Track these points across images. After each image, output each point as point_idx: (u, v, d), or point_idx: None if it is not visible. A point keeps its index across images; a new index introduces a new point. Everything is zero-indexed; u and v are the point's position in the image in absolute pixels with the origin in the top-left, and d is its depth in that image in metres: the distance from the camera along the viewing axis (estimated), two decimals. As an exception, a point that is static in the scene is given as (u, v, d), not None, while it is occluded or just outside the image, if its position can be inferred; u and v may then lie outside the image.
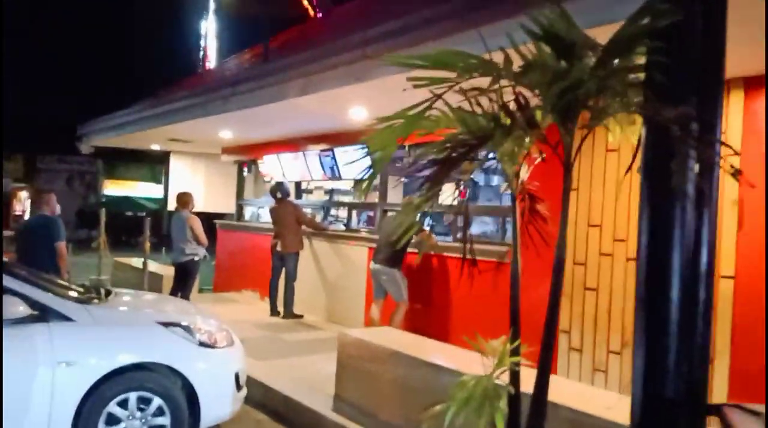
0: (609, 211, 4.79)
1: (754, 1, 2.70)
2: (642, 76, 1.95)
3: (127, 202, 27.43)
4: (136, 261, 9.23)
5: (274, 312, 8.05)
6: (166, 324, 3.85)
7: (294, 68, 5.57)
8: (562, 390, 2.99)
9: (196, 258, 7.48)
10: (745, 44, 2.93)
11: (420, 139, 2.74)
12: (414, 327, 5.60)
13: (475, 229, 7.02)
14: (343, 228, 8.59)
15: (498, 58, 2.11)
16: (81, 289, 4.30)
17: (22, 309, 3.39)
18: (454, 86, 2.10)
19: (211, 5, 26.43)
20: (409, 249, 6.24)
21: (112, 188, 28.91)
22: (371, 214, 8.59)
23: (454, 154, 2.39)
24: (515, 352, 2.48)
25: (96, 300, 4.08)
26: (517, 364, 2.45)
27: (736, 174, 1.74)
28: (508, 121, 2.28)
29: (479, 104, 2.33)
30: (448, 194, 2.73)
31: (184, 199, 7.73)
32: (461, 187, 2.75)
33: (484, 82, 2.21)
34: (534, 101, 2.25)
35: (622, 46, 1.91)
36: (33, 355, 3.37)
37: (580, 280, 4.93)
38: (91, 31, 35.26)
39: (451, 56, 2.02)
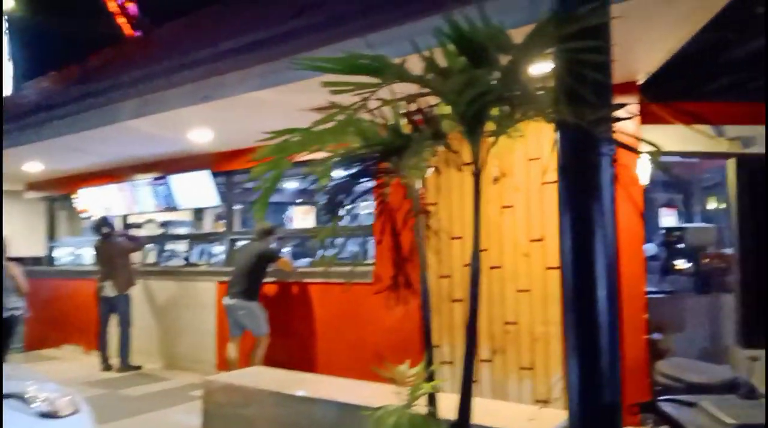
0: (468, 222, 4.92)
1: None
2: (552, 81, 1.95)
3: None
4: None
5: (105, 365, 7.10)
6: (-8, 398, 3.10)
7: (126, 88, 4.98)
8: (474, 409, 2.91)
9: (17, 314, 6.31)
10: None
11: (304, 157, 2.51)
12: (277, 362, 5.26)
13: (334, 251, 6.82)
14: (184, 262, 7.90)
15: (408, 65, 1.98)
16: None
17: None
18: (371, 93, 1.92)
19: (4, 25, 23.23)
20: (268, 279, 5.89)
21: None
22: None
23: (354, 170, 2.22)
24: (431, 377, 2.36)
25: None
26: (436, 389, 2.32)
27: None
28: (411, 133, 2.16)
29: (382, 116, 2.19)
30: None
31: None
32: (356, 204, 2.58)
33: (383, 92, 2.07)
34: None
35: (534, 50, 1.89)
36: None
37: (447, 293, 4.98)
38: None
39: (366, 60, 1.84)
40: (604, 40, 1.94)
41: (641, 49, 3.48)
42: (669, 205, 8.13)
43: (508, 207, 4.69)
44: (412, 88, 2.07)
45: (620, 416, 1.90)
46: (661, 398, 1.87)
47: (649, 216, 7.34)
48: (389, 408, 2.21)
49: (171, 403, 5.49)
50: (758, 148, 5.06)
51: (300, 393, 3.57)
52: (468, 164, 5.26)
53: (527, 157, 4.55)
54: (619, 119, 2.02)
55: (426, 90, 2.06)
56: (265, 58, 3.93)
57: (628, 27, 2.97)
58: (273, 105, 4.25)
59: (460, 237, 4.95)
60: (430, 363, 2.32)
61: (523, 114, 2.13)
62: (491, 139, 2.30)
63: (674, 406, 1.82)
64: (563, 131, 1.94)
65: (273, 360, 5.55)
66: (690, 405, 1.80)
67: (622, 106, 1.93)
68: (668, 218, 7.57)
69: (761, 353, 3.99)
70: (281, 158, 2.14)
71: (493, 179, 4.75)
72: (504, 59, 1.97)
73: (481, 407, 3.12)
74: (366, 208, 6.53)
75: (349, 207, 2.17)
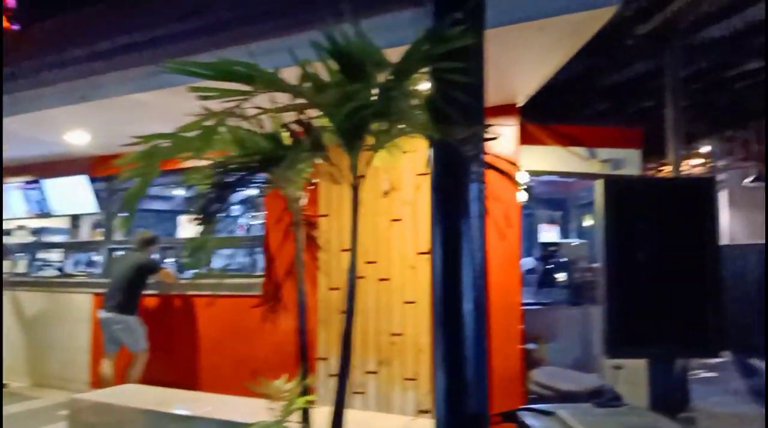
0: (358, 235, 4.95)
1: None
2: (426, 99, 2.00)
3: None
4: None
5: (-38, 385, 6.42)
6: None
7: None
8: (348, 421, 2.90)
9: None
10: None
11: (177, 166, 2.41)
12: (156, 380, 5.00)
13: (220, 262, 6.61)
14: (58, 272, 7.33)
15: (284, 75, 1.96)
16: None
17: None
18: (242, 100, 1.87)
19: None
20: (148, 292, 5.59)
21: None
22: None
23: (229, 179, 2.16)
24: (305, 391, 2.33)
25: None
26: (311, 404, 2.29)
27: (520, 188, 1.87)
28: (290, 143, 2.14)
29: (259, 125, 2.15)
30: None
31: None
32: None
33: (263, 101, 2.03)
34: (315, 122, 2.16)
35: (411, 68, 1.93)
36: None
37: (336, 305, 4.97)
38: None
39: (240, 67, 1.79)
40: (477, 62, 2.02)
41: (519, 73, 3.67)
42: (550, 221, 8.61)
43: (397, 220, 4.77)
44: (293, 99, 2.05)
45: (487, 425, 1.97)
46: (521, 407, 1.94)
47: (530, 232, 7.75)
48: (261, 425, 2.15)
49: (35, 424, 5.05)
50: (627, 170, 5.50)
51: (175, 411, 3.40)
52: (359, 177, 5.28)
53: (416, 171, 4.66)
54: (489, 139, 2.10)
55: (303, 101, 2.04)
56: (145, 60, 3.76)
57: (505, 51, 3.12)
58: (155, 108, 4.07)
59: (349, 250, 4.96)
60: (305, 377, 2.28)
61: (400, 130, 2.17)
62: (370, 153, 2.34)
63: (533, 415, 1.90)
64: (436, 149, 2.00)
65: (152, 377, 5.26)
66: (548, 414, 1.89)
67: (489, 126, 2.01)
68: (548, 234, 8.01)
69: (624, 362, 4.30)
70: (150, 164, 2.04)
71: (383, 192, 4.82)
72: (382, 76, 2.00)
73: (355, 420, 3.13)
74: (257, 219, 6.39)
75: (222, 216, 2.10)
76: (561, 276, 5.71)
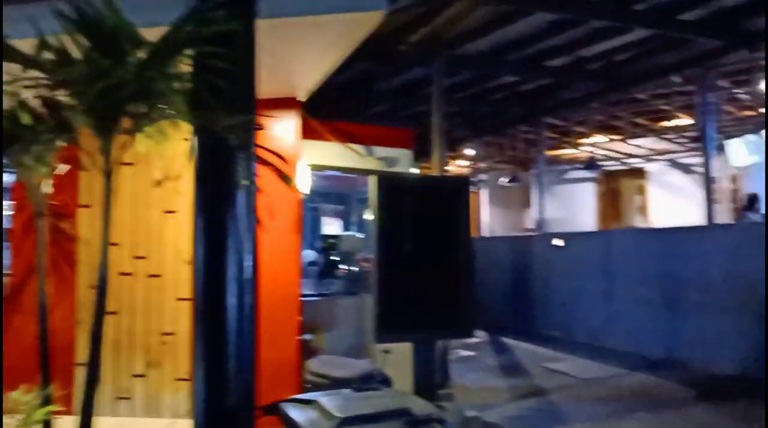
0: (127, 227, 4.56)
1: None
2: (190, 83, 1.90)
3: None
4: None
5: None
6: None
7: None
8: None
9: None
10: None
11: None
12: None
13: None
14: None
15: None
16: None
17: None
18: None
19: None
20: None
21: None
22: None
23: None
24: (47, 401, 2.08)
25: None
26: (54, 414, 2.05)
27: (289, 181, 1.87)
28: (32, 123, 1.88)
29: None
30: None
31: None
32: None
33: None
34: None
35: (172, 49, 1.82)
36: None
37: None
38: None
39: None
40: (247, 50, 1.98)
41: (298, 67, 3.70)
42: (333, 215, 8.89)
43: (171, 212, 4.50)
44: (26, 72, 1.80)
45: (251, 420, 1.94)
46: (284, 399, 1.96)
47: (314, 225, 7.92)
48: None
49: None
50: (400, 168, 5.88)
51: None
52: (127, 164, 4.87)
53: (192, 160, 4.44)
54: (258, 129, 2.07)
55: (45, 76, 1.81)
56: None
57: (283, 44, 3.12)
58: None
59: (116, 244, 4.55)
60: (46, 385, 2.03)
61: (161, 114, 2.03)
62: (131, 138, 2.15)
63: (295, 406, 1.93)
64: (200, 136, 1.92)
65: None
66: (309, 403, 1.93)
67: (258, 116, 1.98)
68: (331, 227, 8.26)
69: (393, 346, 4.61)
70: None
71: (155, 182, 4.51)
72: (140, 55, 1.86)
73: (109, 426, 2.89)
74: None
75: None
76: (341, 268, 5.92)
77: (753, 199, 10.11)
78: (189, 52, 1.88)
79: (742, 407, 5.14)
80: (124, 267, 4.58)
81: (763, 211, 10.17)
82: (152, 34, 1.85)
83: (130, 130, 2.04)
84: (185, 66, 1.90)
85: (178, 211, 4.49)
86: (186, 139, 2.45)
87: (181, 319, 4.42)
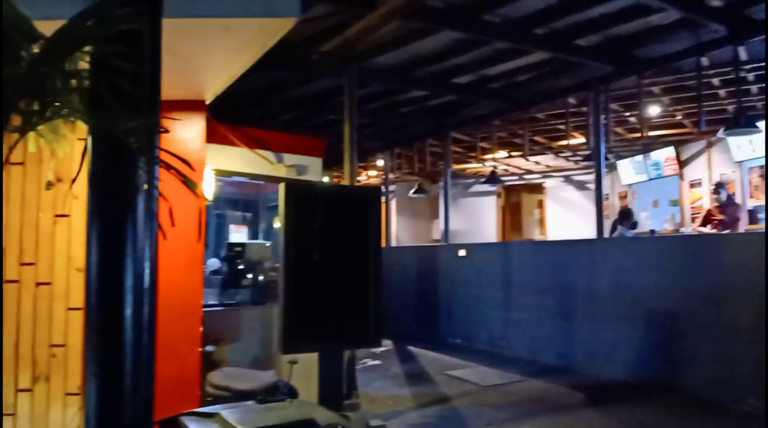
0: (13, 232, 4.24)
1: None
2: (88, 82, 1.81)
3: None
4: None
5: None
6: None
7: None
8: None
9: None
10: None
11: None
12: None
13: None
14: None
15: None
16: None
17: None
18: None
19: None
20: None
21: None
22: None
23: None
24: None
25: None
26: None
27: (194, 186, 1.83)
28: None
29: None
30: None
31: None
32: None
33: None
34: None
35: (68, 45, 1.72)
36: None
37: (-20, 316, 4.16)
38: None
39: None
40: (153, 50, 1.92)
41: (206, 70, 3.61)
42: (241, 222, 8.68)
43: (64, 216, 4.23)
44: None
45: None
46: (183, 413, 1.89)
47: (219, 233, 7.69)
48: None
49: None
50: (310, 176, 5.86)
51: None
52: (16, 164, 4.55)
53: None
54: (162, 132, 2.00)
55: None
56: None
57: (191, 45, 3.03)
58: None
59: (1, 249, 4.22)
60: None
61: (56, 113, 1.92)
62: (22, 137, 2.01)
63: (195, 419, 1.87)
64: (95, 138, 1.83)
65: None
66: (210, 416, 1.87)
67: (161, 119, 1.92)
68: (238, 235, 8.06)
69: (300, 357, 4.56)
70: None
71: (46, 184, 4.23)
72: (33, 49, 1.75)
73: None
74: None
75: None
76: (247, 277, 5.79)
77: (626, 213, 10.92)
78: (88, 49, 1.80)
79: (629, 410, 5.53)
80: (10, 275, 4.26)
81: (637, 227, 11.03)
82: (51, 28, 1.75)
83: (21, 128, 1.91)
84: (85, 64, 1.82)
85: (72, 214, 4.24)
86: (82, 139, 2.33)
87: (72, 330, 4.16)
